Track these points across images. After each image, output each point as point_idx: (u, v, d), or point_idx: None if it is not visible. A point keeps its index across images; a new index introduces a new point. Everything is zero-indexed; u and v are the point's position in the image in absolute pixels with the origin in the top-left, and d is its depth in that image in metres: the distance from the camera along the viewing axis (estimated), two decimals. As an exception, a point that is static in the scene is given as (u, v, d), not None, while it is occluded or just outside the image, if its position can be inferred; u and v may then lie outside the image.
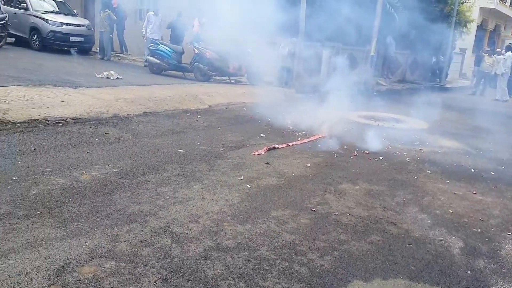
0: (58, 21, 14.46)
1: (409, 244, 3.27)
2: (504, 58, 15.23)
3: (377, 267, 2.88)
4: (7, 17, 13.49)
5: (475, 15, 21.99)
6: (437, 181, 4.88)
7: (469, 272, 2.94)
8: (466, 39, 20.99)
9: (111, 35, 14.76)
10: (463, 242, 3.39)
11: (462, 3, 18.99)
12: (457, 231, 3.59)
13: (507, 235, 3.60)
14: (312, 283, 2.62)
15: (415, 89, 16.46)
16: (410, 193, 4.41)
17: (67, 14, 15.34)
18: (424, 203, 4.16)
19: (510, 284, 2.83)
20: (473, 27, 21.56)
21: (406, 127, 8.14)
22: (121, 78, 9.87)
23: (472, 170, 5.46)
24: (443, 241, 3.38)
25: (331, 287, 2.61)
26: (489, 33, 27.98)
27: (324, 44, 12.06)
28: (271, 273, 2.68)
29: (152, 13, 13.72)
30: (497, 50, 19.78)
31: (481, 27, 25.88)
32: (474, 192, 4.61)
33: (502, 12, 26.30)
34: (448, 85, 18.91)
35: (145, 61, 12.78)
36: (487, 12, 25.59)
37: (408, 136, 7.24)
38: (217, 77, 11.63)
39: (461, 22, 18.95)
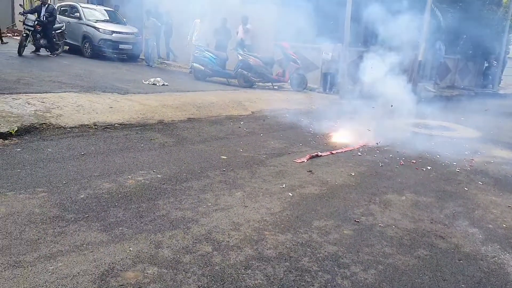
0: (108, 30, 15.06)
1: (459, 260, 3.11)
2: None
3: (424, 283, 2.76)
4: (64, 26, 14.19)
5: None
6: (490, 193, 4.63)
7: (525, 292, 2.76)
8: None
9: (154, 43, 15.21)
10: (518, 260, 3.18)
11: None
12: (511, 247, 3.38)
13: None
14: (355, 297, 2.54)
15: (465, 96, 15.82)
16: (460, 206, 4.20)
17: (117, 23, 15.96)
18: (475, 217, 3.95)
19: None
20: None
21: (456, 135, 7.80)
22: (166, 85, 10.10)
23: (529, 182, 5.14)
24: (496, 258, 3.19)
25: (375, 302, 2.52)
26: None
27: (369, 49, 11.83)
28: (313, 285, 2.63)
29: (199, 20, 13.98)
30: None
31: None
32: (531, 206, 4.34)
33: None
34: (501, 92, 18.00)
35: (190, 68, 13.03)
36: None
37: (458, 145, 6.94)
38: (260, 83, 11.67)
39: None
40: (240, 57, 11.35)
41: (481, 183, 4.98)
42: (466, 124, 9.12)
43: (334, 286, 2.64)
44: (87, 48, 15.27)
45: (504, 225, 3.80)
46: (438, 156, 6.08)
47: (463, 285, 2.78)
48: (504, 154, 6.63)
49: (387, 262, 2.99)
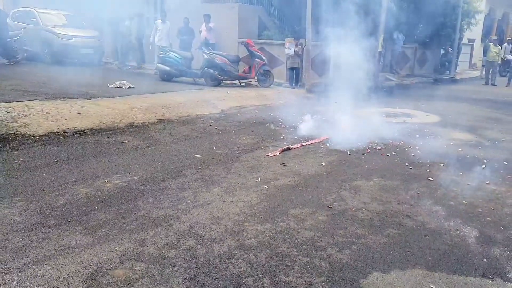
0: (68, 34, 14.77)
1: (425, 236, 3.36)
2: None
3: (394, 259, 2.99)
4: (22, 32, 13.82)
5: (482, 5, 21.81)
6: (450, 173, 4.94)
7: (485, 260, 3.03)
8: (474, 29, 20.82)
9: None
10: (478, 232, 3.47)
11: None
12: (472, 221, 3.67)
13: (522, 223, 3.67)
14: (333, 276, 2.74)
15: (424, 83, 16.44)
16: (424, 186, 4.49)
17: (77, 27, 15.65)
18: (438, 195, 4.25)
19: (526, 270, 2.91)
20: (480, 16, 21.40)
21: (417, 122, 8.18)
22: (133, 87, 10.06)
23: (485, 161, 5.51)
24: (458, 231, 3.46)
25: (351, 279, 2.72)
26: (497, 22, 27.71)
27: (332, 42, 12.14)
28: (293, 268, 2.80)
29: (160, 20, 13.93)
30: (508, 38, 19.56)
31: (488, 17, 25.66)
32: (488, 182, 4.68)
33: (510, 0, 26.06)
34: (458, 77, 18.79)
35: (155, 69, 12.98)
36: (494, 1, 25.36)
37: (420, 130, 7.30)
38: (227, 81, 11.78)
39: (469, 12, 18.83)
40: (206, 56, 11.42)
41: (442, 164, 5.30)
42: (426, 110, 9.57)
43: (313, 267, 2.83)
44: (47, 54, 14.93)
45: (464, 201, 4.10)
46: (401, 142, 6.39)
47: (430, 258, 3.02)
48: (462, 136, 7.04)
49: (360, 242, 3.21)
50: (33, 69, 12.91)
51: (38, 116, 6.51)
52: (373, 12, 11.91)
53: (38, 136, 5.85)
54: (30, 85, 9.35)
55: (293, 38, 11.57)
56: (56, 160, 4.89)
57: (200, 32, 13.59)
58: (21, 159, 4.91)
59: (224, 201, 3.86)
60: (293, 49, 11.28)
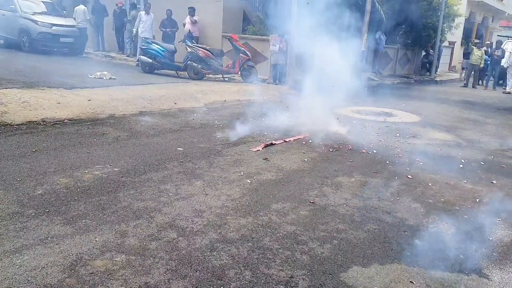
0: (47, 22, 14.42)
1: (404, 232, 3.42)
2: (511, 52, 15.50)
3: (374, 254, 3.03)
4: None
5: (463, 8, 22.24)
6: (429, 172, 5.04)
7: (461, 256, 3.09)
8: (455, 32, 21.23)
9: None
10: (455, 229, 3.54)
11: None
12: (449, 218, 3.74)
13: (496, 221, 3.76)
14: (313, 269, 2.76)
15: (405, 83, 16.71)
16: (403, 184, 4.56)
17: (57, 15, 15.31)
18: (417, 193, 4.32)
19: (500, 267, 2.99)
20: (461, 20, 21.82)
21: (398, 121, 8.30)
22: (114, 78, 9.93)
23: (463, 161, 5.63)
24: (436, 228, 3.53)
25: (332, 272, 2.75)
26: (477, 25, 28.30)
27: (316, 40, 12.19)
28: (275, 261, 2.82)
29: (144, 12, 13.76)
30: (486, 42, 20.02)
31: (469, 20, 26.18)
32: (465, 181, 4.78)
33: (489, 4, 26.61)
34: (438, 79, 19.16)
35: (137, 61, 12.83)
36: (474, 5, 25.89)
37: (400, 129, 7.41)
38: (211, 75, 11.73)
39: (450, 16, 19.18)
40: (189, 49, 11.34)
41: (421, 163, 5.39)
42: (407, 109, 9.72)
43: (294, 261, 2.85)
44: (25, 42, 14.55)
45: (443, 200, 4.19)
46: (382, 140, 6.48)
47: (408, 253, 3.07)
48: (441, 136, 7.18)
49: (341, 237, 3.24)
50: (11, 57, 12.58)
51: (15, 105, 6.36)
52: (357, 12, 12.02)
53: (16, 125, 5.72)
54: (6, 73, 9.10)
55: (277, 35, 11.58)
56: (34, 150, 4.79)
57: (184, 25, 13.49)
58: (-2, 147, 4.79)
59: (206, 194, 3.85)
60: (277, 46, 11.29)
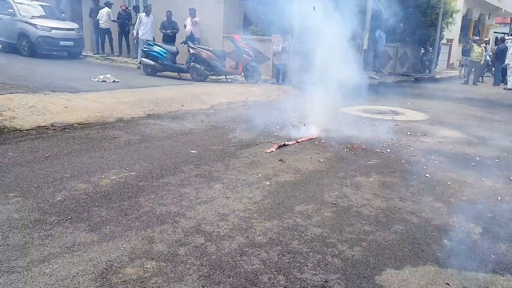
0: (47, 26, 14.35)
1: (432, 232, 3.37)
2: None
3: (405, 255, 2.98)
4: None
5: (460, 5, 22.26)
6: (446, 170, 5.00)
7: (493, 256, 3.06)
8: (452, 29, 21.25)
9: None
10: (481, 228, 3.50)
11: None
12: (474, 217, 3.70)
13: (521, 219, 3.73)
14: (347, 273, 2.71)
15: (406, 81, 16.71)
16: (422, 183, 4.52)
17: (56, 19, 15.22)
18: (437, 192, 4.28)
19: (533, 266, 2.95)
20: (458, 17, 21.86)
21: (406, 119, 8.27)
22: (117, 81, 9.87)
23: (477, 158, 5.60)
24: (462, 228, 3.49)
25: (366, 276, 2.70)
26: (474, 22, 28.37)
27: (319, 40, 12.16)
28: (307, 265, 2.77)
29: (144, 14, 13.69)
30: (485, 39, 20.08)
31: (466, 17, 26.24)
32: (483, 179, 4.75)
33: (486, 1, 26.64)
34: (437, 76, 19.17)
35: (139, 63, 12.75)
36: (471, 2, 25.93)
37: (410, 127, 7.39)
38: (214, 76, 11.66)
39: (447, 13, 19.20)
40: (192, 51, 11.27)
41: (437, 161, 5.36)
42: (413, 107, 9.70)
43: (326, 264, 2.80)
44: (24, 46, 14.48)
45: (464, 198, 4.15)
46: (393, 139, 6.44)
47: (439, 254, 3.03)
48: (451, 133, 7.15)
49: (369, 239, 3.20)
50: (11, 61, 12.48)
51: (23, 110, 6.29)
52: (359, 11, 11.97)
53: (25, 130, 5.65)
54: (8, 77, 9.03)
55: (280, 35, 11.52)
56: (47, 155, 4.72)
57: (185, 26, 13.42)
58: (10, 153, 4.72)
59: (227, 197, 3.79)
60: (281, 46, 11.24)
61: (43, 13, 15.19)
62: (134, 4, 15.77)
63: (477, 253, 3.08)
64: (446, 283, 2.67)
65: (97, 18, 15.52)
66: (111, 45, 16.21)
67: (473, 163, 5.36)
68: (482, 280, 2.74)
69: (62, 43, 14.70)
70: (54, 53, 14.91)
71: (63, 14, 16.11)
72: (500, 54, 16.68)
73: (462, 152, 5.90)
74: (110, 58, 15.55)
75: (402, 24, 17.74)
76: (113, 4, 15.64)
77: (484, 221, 3.65)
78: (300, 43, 11.33)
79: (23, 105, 6.47)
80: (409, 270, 2.80)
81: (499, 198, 4.21)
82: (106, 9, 15.41)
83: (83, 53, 16.10)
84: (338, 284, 2.60)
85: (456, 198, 4.14)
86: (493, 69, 17.28)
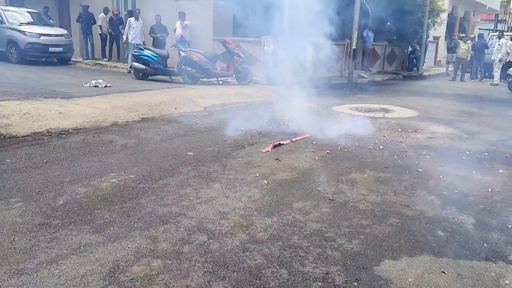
0: (35, 32, 14.32)
1: (426, 224, 3.49)
2: (499, 44, 15.81)
3: (402, 247, 3.09)
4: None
5: (446, 4, 22.58)
6: (438, 165, 5.13)
7: (485, 244, 3.18)
8: (438, 27, 21.55)
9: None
10: (473, 219, 3.63)
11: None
12: (466, 209, 3.83)
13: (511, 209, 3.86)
14: (347, 265, 2.81)
15: (395, 79, 16.92)
16: (415, 177, 4.64)
17: (44, 25, 15.18)
18: (430, 186, 4.40)
19: (524, 252, 3.07)
20: (444, 15, 22.16)
21: (397, 116, 8.41)
22: (109, 86, 9.89)
23: (467, 152, 5.74)
24: (456, 219, 3.61)
25: (365, 267, 2.80)
26: (460, 20, 28.76)
27: (309, 40, 12.29)
28: (307, 259, 2.86)
29: (133, 18, 13.71)
30: (471, 36, 20.38)
31: (451, 15, 26.60)
32: (474, 172, 4.89)
33: (470, -1, 27.09)
34: (425, 73, 19.41)
35: (130, 67, 12.77)
36: (456, 0, 26.31)
37: (401, 124, 7.52)
38: (205, 79, 11.73)
39: (434, 11, 19.48)
40: (183, 54, 11.33)
41: (428, 156, 5.49)
42: (403, 105, 9.86)
43: (326, 257, 2.89)
44: (13, 53, 14.45)
45: (456, 191, 4.28)
46: (385, 136, 6.57)
47: (434, 244, 3.14)
48: (441, 129, 7.30)
49: (366, 232, 3.30)
50: (0, 69, 12.42)
51: (17, 117, 6.31)
52: (348, 10, 12.15)
53: (21, 137, 5.67)
54: (0, 85, 9.02)
55: (270, 36, 11.62)
56: (45, 161, 4.76)
57: (175, 29, 13.47)
58: (8, 160, 4.75)
59: (227, 196, 3.87)
60: (272, 47, 11.34)
61: (31, 20, 15.15)
62: (129, 9, 15.69)
63: (470, 243, 3.20)
64: (442, 271, 2.78)
65: (99, 24, 15.66)
66: (103, 50, 16.21)
67: (463, 157, 5.51)
68: (476, 268, 2.85)
69: (51, 49, 14.69)
70: (44, 59, 14.88)
71: (51, 20, 16.06)
72: (477, 51, 17.11)
73: (453, 147, 6.05)
74: (100, 63, 15.54)
75: (389, 23, 17.97)
76: (110, 10, 15.70)
77: (476, 212, 3.77)
78: (291, 44, 11.46)
79: (17, 112, 6.49)
80: (406, 260, 2.91)
81: (489, 190, 4.34)
82: (103, 14, 15.48)
83: (72, 59, 16.07)
84: (339, 275, 2.69)
85: (448, 191, 4.26)
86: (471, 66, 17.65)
